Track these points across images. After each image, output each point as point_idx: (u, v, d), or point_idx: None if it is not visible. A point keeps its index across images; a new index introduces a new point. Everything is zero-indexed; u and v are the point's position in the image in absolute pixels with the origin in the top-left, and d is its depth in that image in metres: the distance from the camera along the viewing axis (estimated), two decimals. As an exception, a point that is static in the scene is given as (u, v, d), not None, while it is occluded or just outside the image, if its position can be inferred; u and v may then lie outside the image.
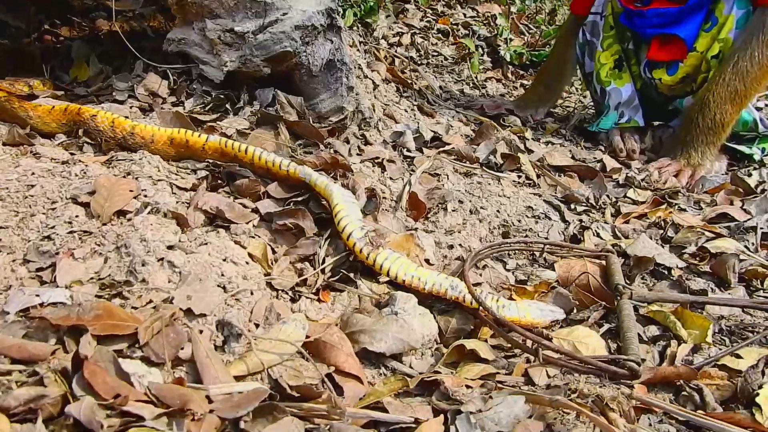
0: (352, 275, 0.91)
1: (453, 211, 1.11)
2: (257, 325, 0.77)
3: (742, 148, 1.65)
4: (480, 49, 2.65)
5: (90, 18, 1.78)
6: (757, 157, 1.67)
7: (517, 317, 0.87)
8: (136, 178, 0.96)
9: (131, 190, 0.91)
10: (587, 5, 1.81)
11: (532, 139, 1.59)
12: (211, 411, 0.59)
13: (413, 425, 0.65)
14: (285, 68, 1.27)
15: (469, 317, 0.89)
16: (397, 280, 0.89)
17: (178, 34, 1.33)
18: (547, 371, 0.80)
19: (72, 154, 1.05)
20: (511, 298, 0.96)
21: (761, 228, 1.21)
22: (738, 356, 0.84)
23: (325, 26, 1.26)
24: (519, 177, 1.33)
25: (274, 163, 1.01)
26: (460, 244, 1.06)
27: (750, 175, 1.61)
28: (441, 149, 1.35)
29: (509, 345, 0.86)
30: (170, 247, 0.81)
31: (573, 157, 1.59)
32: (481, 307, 0.86)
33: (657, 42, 1.61)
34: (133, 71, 1.39)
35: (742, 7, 1.51)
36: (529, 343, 0.83)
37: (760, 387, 0.75)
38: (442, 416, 0.67)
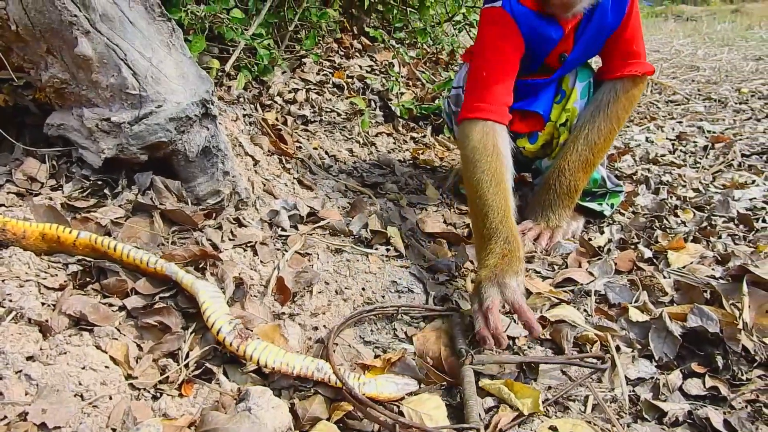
0: (215, 368, 0.98)
1: (319, 293, 1.20)
2: (114, 431, 0.83)
3: (593, 206, 1.84)
4: (373, 103, 2.78)
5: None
6: (607, 213, 1.86)
7: (376, 392, 0.98)
8: (3, 281, 1.00)
9: (-5, 297, 0.95)
10: None
11: (407, 205, 1.70)
12: None
13: None
14: (162, 155, 1.33)
15: (325, 402, 0.98)
16: (267, 368, 0.97)
17: (57, 119, 1.37)
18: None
19: (-58, 253, 1.07)
20: (363, 373, 1.06)
21: (596, 292, 1.36)
22: (554, 429, 0.96)
23: (200, 116, 1.34)
24: (388, 250, 1.44)
25: (142, 260, 1.07)
26: (324, 326, 1.15)
27: (603, 232, 1.79)
28: (316, 225, 1.44)
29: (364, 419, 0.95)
30: (30, 358, 0.86)
31: (445, 222, 1.72)
32: (344, 387, 0.95)
33: (518, 115, 1.78)
34: (13, 152, 1.41)
35: (584, 79, 1.71)
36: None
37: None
38: None
